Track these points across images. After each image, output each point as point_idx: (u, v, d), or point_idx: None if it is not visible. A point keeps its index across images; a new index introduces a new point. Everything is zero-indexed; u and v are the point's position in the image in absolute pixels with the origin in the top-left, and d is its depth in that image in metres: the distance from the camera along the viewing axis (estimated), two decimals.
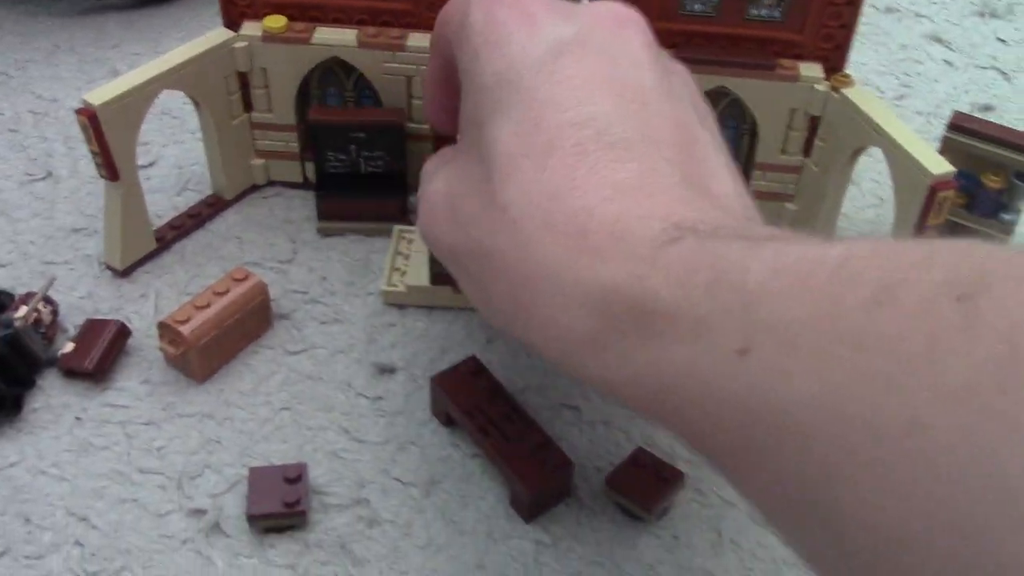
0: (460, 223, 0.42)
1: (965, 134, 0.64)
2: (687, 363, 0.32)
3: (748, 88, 0.64)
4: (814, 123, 0.65)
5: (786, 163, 0.68)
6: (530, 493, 0.52)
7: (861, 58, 0.87)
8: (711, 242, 0.35)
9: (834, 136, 0.64)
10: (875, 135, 0.60)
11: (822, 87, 0.63)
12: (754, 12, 0.63)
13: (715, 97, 0.66)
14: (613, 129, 0.39)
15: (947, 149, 0.64)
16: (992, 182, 0.64)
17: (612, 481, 0.54)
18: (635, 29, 0.43)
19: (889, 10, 0.94)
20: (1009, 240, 0.66)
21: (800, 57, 0.64)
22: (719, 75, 0.64)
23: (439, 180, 0.45)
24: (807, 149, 0.67)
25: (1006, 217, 0.65)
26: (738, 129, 0.68)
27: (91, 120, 0.59)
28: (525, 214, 0.38)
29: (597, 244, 0.36)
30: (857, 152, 0.63)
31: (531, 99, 0.40)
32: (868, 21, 0.92)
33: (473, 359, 0.57)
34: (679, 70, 0.47)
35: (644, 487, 0.53)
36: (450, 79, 0.48)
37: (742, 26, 0.64)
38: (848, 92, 0.62)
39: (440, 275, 0.63)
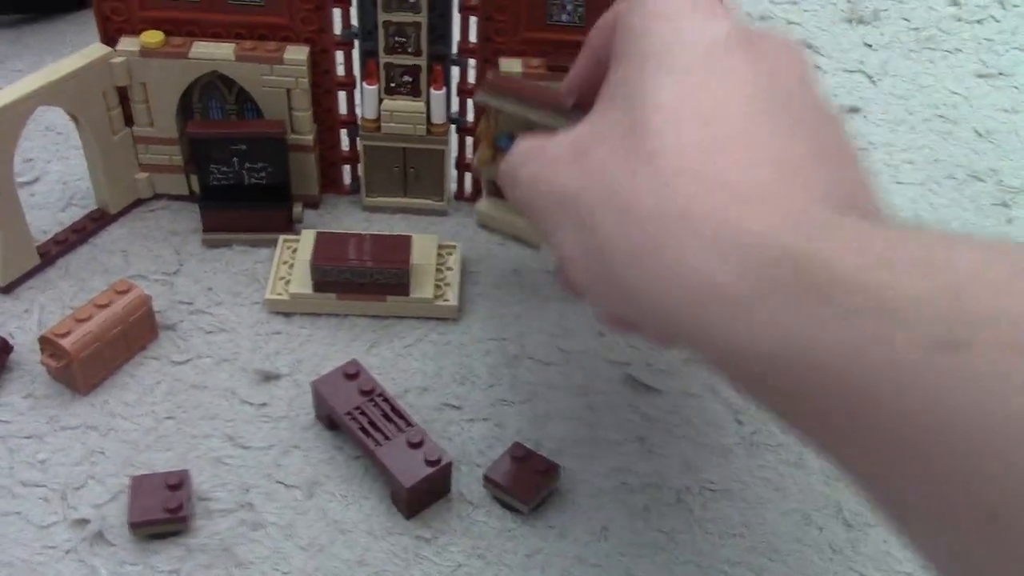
0: (587, 167, 0.40)
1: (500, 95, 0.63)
2: (862, 341, 0.29)
3: None
4: None
5: None
6: (408, 491, 0.54)
7: None
8: (883, 224, 0.33)
9: None
10: None
11: None
12: None
13: None
14: (781, 112, 0.38)
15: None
16: None
17: (490, 476, 0.56)
18: (800, 57, 0.42)
19: (763, 18, 0.98)
20: None
21: None
22: None
23: (561, 136, 0.44)
24: None
25: None
26: None
27: None
28: (674, 162, 0.37)
29: (753, 196, 0.34)
30: None
31: (700, 66, 0.40)
32: None
33: (353, 362, 0.59)
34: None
35: (521, 481, 0.56)
36: (599, 59, 0.48)
37: None
38: None
39: (323, 282, 0.64)
